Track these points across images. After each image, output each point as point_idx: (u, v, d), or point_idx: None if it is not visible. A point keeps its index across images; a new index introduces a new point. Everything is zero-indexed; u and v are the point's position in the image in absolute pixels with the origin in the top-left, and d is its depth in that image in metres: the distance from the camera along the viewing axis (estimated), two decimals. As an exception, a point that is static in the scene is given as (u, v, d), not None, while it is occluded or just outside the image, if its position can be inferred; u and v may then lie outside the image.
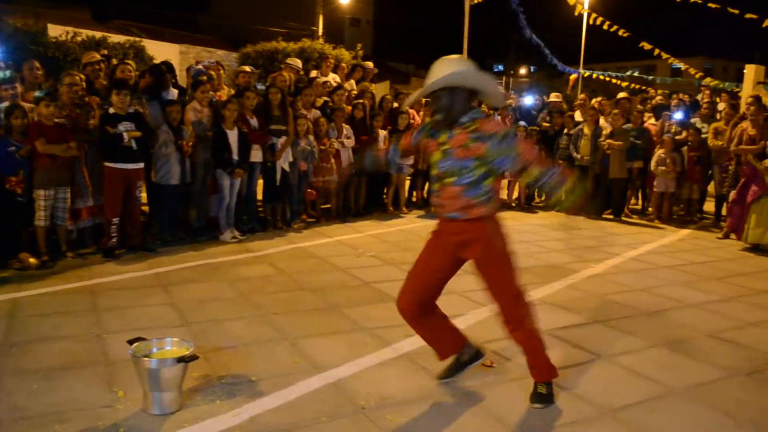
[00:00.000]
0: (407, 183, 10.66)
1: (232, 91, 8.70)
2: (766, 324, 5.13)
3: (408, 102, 5.08)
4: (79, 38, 13.22)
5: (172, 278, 5.82)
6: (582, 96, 12.48)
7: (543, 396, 3.52)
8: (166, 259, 6.50)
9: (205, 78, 8.13)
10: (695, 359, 4.28)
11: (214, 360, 3.94)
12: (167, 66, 8.07)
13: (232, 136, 7.33)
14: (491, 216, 3.51)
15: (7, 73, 6.55)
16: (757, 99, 9.51)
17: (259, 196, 8.44)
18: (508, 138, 3.26)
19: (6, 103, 6.21)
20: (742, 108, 10.30)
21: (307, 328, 4.57)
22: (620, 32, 16.83)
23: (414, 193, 10.91)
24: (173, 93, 7.73)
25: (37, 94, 6.31)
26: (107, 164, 6.42)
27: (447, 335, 3.74)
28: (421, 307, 3.62)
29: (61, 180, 6.18)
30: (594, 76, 27.68)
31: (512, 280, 3.56)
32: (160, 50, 15.62)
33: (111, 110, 6.43)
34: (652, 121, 10.88)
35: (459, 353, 3.75)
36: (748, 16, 14.39)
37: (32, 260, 5.96)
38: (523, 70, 54.60)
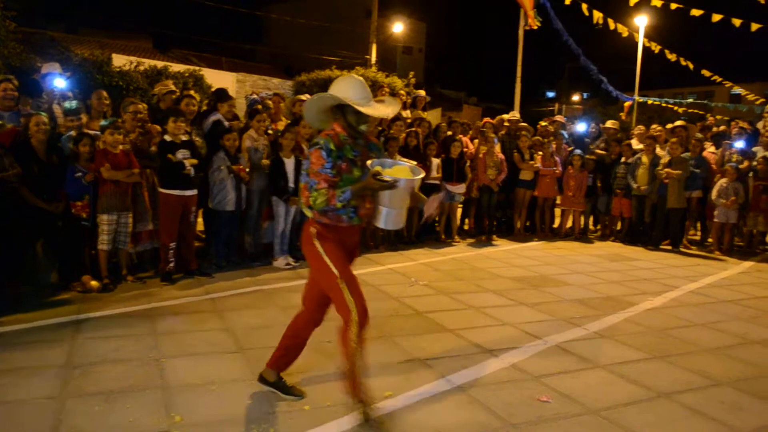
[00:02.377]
0: (459, 211, 10.63)
1: (288, 120, 8.86)
2: (838, 364, 4.89)
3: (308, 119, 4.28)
4: (141, 68, 13.72)
5: (227, 304, 5.91)
6: (640, 127, 12.26)
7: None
8: (222, 284, 6.61)
9: (260, 107, 8.32)
10: (763, 399, 4.11)
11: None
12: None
13: (289, 164, 7.45)
14: None
15: (74, 103, 6.82)
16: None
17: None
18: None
19: (72, 132, 6.46)
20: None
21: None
22: (680, 61, 16.52)
23: (466, 221, 10.86)
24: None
25: (102, 122, 6.54)
26: (163, 191, 6.58)
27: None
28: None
29: (124, 205, 6.37)
30: (649, 102, 27.22)
31: None
32: (218, 78, 16.09)
33: (167, 137, 6.62)
34: (712, 149, 10.61)
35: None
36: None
37: (94, 283, 6.14)
38: (575, 97, 54.08)
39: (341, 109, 3.57)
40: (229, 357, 4.51)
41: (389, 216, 3.57)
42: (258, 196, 7.51)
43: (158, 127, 7.00)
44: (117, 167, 6.23)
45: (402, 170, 3.56)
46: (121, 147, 6.36)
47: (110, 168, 6.18)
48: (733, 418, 3.80)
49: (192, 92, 7.75)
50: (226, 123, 7.59)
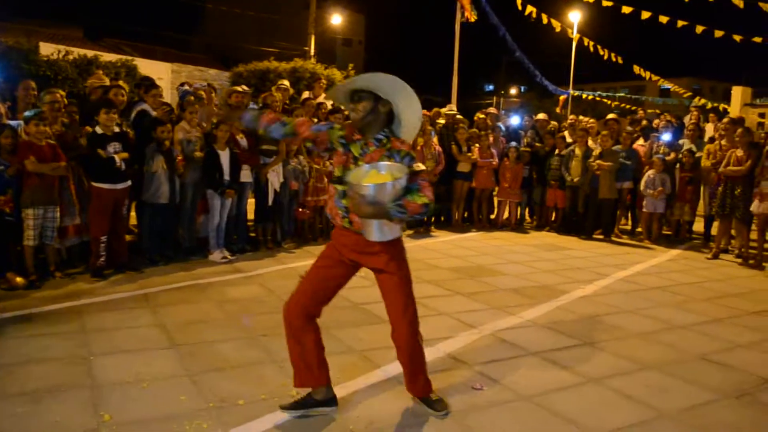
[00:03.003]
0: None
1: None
2: (756, 346, 5.13)
3: (331, 95, 4.24)
4: (71, 57, 13.23)
5: (161, 299, 5.78)
6: (572, 117, 12.57)
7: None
8: (155, 279, 6.46)
9: (192, 98, 8.15)
10: (686, 382, 4.27)
11: (202, 383, 3.90)
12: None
13: (224, 156, 7.33)
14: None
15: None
16: (740, 121, 9.65)
17: (250, 216, 8.43)
18: (407, 157, 3.33)
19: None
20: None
21: (297, 350, 4.52)
22: (611, 57, 17.00)
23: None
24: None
25: (26, 113, 6.29)
26: (95, 184, 6.38)
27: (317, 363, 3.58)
28: (308, 318, 3.61)
29: (50, 199, 6.13)
30: (584, 96, 27.95)
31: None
32: (151, 69, 15.64)
33: (98, 129, 6.41)
34: (641, 142, 10.96)
35: (315, 390, 3.57)
36: (735, 37, 14.59)
37: (19, 280, 5.91)
38: (513, 90, 55.02)
39: (389, 116, 3.44)
40: (161, 353, 4.41)
41: (369, 226, 3.26)
42: (192, 188, 7.36)
43: (89, 128, 6.74)
44: (42, 160, 5.99)
45: (375, 176, 3.20)
46: (45, 139, 6.12)
47: (35, 161, 5.94)
48: (658, 400, 3.93)
49: (121, 82, 7.53)
50: (153, 113, 7.40)
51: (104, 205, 6.39)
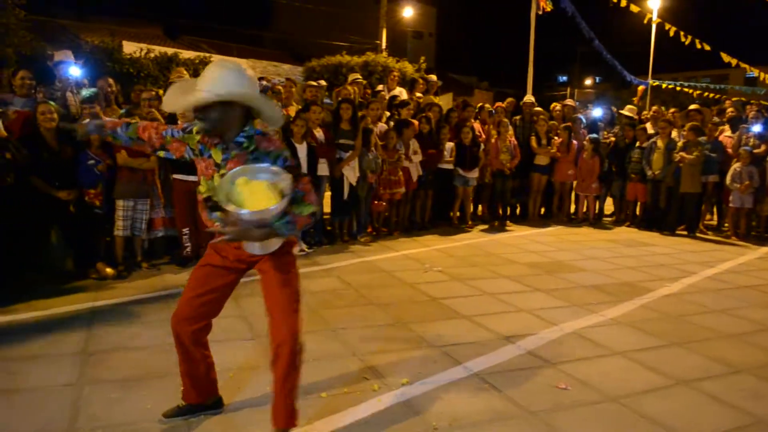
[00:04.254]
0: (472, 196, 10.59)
1: (299, 106, 8.83)
2: None
3: (175, 109, 3.75)
4: (152, 55, 13.70)
5: (242, 290, 5.82)
6: (655, 108, 12.11)
7: None
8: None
9: (271, 93, 8.28)
10: (783, 386, 4.06)
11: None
12: None
13: (301, 150, 7.42)
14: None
15: (90, 91, 6.82)
16: None
17: (327, 209, 8.52)
18: (280, 159, 2.88)
19: (87, 120, 6.44)
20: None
21: (376, 344, 4.54)
22: (696, 43, 16.29)
23: (480, 207, 10.81)
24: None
25: (121, 111, 6.54)
26: (175, 176, 6.61)
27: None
28: (197, 333, 3.31)
29: (141, 192, 6.37)
30: (663, 86, 26.95)
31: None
32: (228, 65, 15.99)
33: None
34: (728, 133, 10.46)
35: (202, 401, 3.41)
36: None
37: (109, 270, 6.15)
38: (588, 81, 53.61)
39: (247, 111, 2.98)
40: (244, 344, 4.52)
41: (248, 245, 2.95)
42: (271, 182, 7.47)
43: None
44: (132, 154, 6.21)
45: (255, 191, 2.68)
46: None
47: (126, 155, 6.17)
48: (753, 405, 3.75)
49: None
50: None
51: (183, 197, 6.59)
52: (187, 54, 15.55)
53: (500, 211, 10.40)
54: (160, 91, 7.12)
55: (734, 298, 6.21)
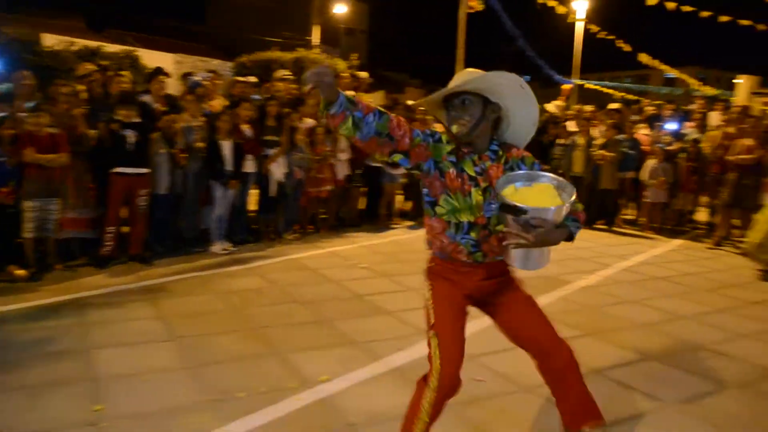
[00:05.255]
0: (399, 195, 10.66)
1: (227, 102, 8.69)
2: (758, 336, 5.11)
3: (422, 102, 3.01)
4: (74, 48, 13.20)
5: (161, 291, 5.77)
6: (575, 106, 12.48)
7: None
8: (156, 270, 6.46)
9: (201, 90, 8.13)
10: (688, 372, 4.26)
11: (202, 376, 3.90)
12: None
13: (226, 147, 7.31)
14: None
15: (5, 87, 6.53)
16: (747, 110, 9.60)
17: (253, 207, 8.43)
18: (536, 164, 2.73)
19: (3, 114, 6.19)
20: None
21: (298, 342, 4.53)
22: (618, 43, 16.88)
23: (407, 204, 10.87)
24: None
25: (28, 104, 6.27)
26: (114, 171, 6.46)
27: None
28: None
29: (51, 191, 6.11)
30: (586, 85, 27.74)
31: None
32: (155, 59, 15.57)
33: (117, 117, 6.48)
34: (646, 131, 10.88)
35: None
36: (741, 21, 14.48)
37: (20, 272, 5.91)
38: (517, 80, 54.62)
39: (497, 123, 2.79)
40: (161, 346, 4.41)
41: (530, 254, 2.57)
42: (194, 179, 7.33)
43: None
44: (42, 151, 5.97)
45: (542, 191, 2.51)
46: (49, 130, 6.10)
47: (34, 151, 5.92)
48: (660, 391, 3.92)
49: (123, 72, 7.51)
50: (156, 105, 7.36)
51: (117, 193, 6.44)
52: (112, 48, 15.03)
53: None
54: (80, 86, 6.87)
55: (646, 289, 6.48)
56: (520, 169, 2.67)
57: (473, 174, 2.67)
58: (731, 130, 9.14)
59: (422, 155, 2.64)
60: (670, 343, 4.85)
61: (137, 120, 6.61)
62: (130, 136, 6.46)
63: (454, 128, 2.65)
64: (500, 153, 2.72)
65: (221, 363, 4.11)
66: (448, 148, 2.69)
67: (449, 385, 2.71)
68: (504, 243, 2.53)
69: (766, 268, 7.24)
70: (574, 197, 2.45)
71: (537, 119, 2.83)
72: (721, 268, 7.69)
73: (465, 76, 2.66)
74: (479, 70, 2.67)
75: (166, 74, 7.83)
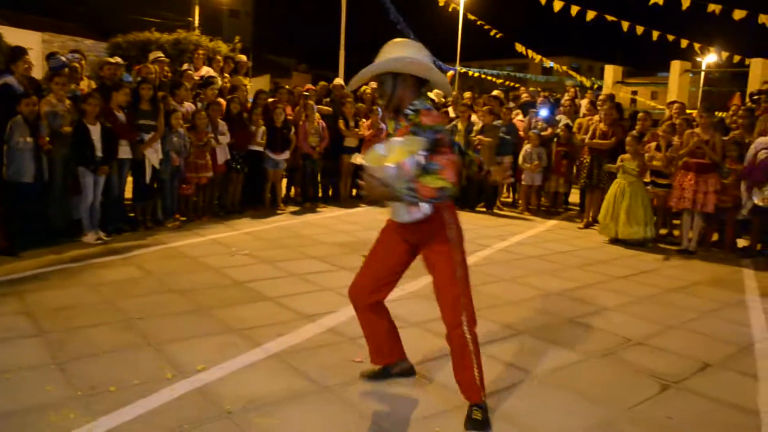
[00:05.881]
0: (284, 180, 10.57)
1: (94, 84, 8.25)
2: (621, 308, 5.50)
3: (352, 85, 3.44)
4: None
5: (28, 284, 5.43)
6: (454, 93, 12.81)
7: (478, 422, 3.20)
8: (22, 264, 6.06)
9: (67, 71, 7.66)
10: (556, 344, 4.51)
11: (71, 371, 3.71)
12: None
13: (95, 131, 6.94)
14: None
15: None
16: (610, 97, 10.23)
17: (130, 194, 8.09)
18: (430, 131, 2.99)
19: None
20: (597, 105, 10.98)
21: (174, 332, 4.40)
22: (493, 32, 17.48)
23: (292, 189, 10.82)
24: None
25: None
26: None
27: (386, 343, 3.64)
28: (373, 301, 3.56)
29: None
30: (470, 73, 28.59)
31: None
32: (20, 38, 14.51)
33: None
34: (520, 117, 11.35)
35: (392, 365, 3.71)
36: (607, 17, 15.37)
37: None
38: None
39: (418, 83, 3.17)
40: (27, 342, 4.16)
41: (395, 208, 3.17)
42: (62, 166, 6.92)
43: None
44: None
45: (378, 158, 2.94)
46: None
47: None
48: (531, 363, 4.14)
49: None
50: (18, 86, 6.88)
51: None
52: (-33, 24, 13.89)
53: (311, 193, 10.48)
54: None
55: (521, 268, 6.79)
56: (421, 134, 2.97)
57: (391, 131, 3.22)
58: (595, 118, 9.70)
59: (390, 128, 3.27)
60: (540, 318, 5.12)
61: None
62: None
63: (379, 101, 3.23)
64: (412, 116, 3.05)
65: (91, 357, 3.93)
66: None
67: (351, 297, 3.62)
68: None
69: (608, 238, 8.39)
70: (392, 163, 2.84)
71: (446, 82, 3.38)
72: (591, 246, 8.18)
73: (388, 53, 3.10)
74: (403, 41, 3.17)
75: (26, 52, 7.31)
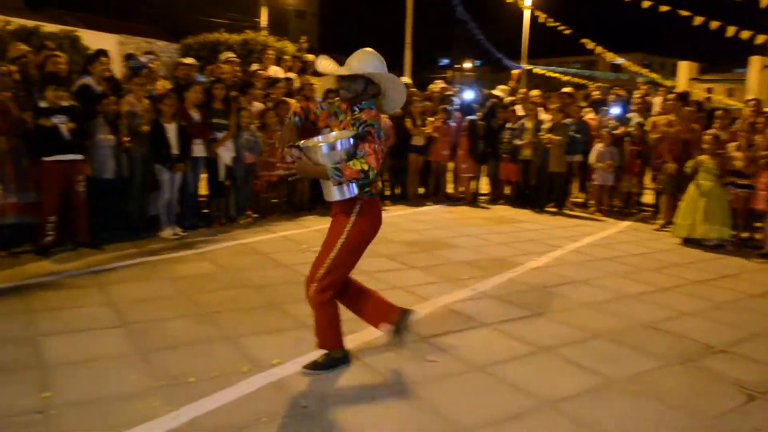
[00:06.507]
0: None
1: (169, 84, 8.49)
2: (700, 313, 5.29)
3: (342, 70, 3.74)
4: (10, 27, 12.69)
5: (110, 277, 5.65)
6: (523, 90, 12.63)
7: (317, 363, 3.78)
8: (104, 257, 6.31)
9: (146, 71, 7.93)
10: (633, 349, 4.38)
11: (153, 361, 3.84)
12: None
13: (171, 130, 7.15)
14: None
15: None
16: (682, 95, 9.87)
17: (204, 192, 8.30)
18: (362, 124, 3.50)
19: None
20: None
21: (249, 327, 4.49)
22: (560, 28, 17.14)
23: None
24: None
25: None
26: (44, 159, 6.19)
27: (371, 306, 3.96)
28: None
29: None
30: (537, 71, 28.13)
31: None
32: (97, 40, 15.08)
33: (43, 104, 6.20)
34: (591, 115, 11.09)
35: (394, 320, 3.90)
36: (680, 12, 14.84)
37: (-41, 260, 5.70)
38: (468, 65, 55.05)
39: (376, 94, 3.72)
40: (111, 332, 4.32)
41: (326, 186, 3.62)
42: (141, 163, 7.17)
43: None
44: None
45: (316, 142, 3.53)
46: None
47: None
48: (607, 368, 4.03)
49: (58, 52, 7.23)
50: (100, 88, 7.14)
51: (53, 181, 6.22)
52: (50, 27, 14.49)
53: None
54: (12, 67, 6.59)
55: (594, 270, 6.63)
56: (356, 127, 3.51)
57: (339, 120, 3.69)
58: (671, 117, 9.37)
59: (324, 118, 3.82)
60: (616, 322, 4.98)
61: (68, 103, 6.38)
62: (62, 122, 6.21)
63: (342, 93, 3.64)
64: (356, 112, 3.58)
65: (171, 348, 4.05)
66: (338, 104, 3.75)
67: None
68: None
69: (682, 238, 8.21)
70: (325, 143, 3.42)
71: (404, 94, 3.83)
72: (666, 248, 7.92)
73: (362, 60, 3.60)
74: (371, 52, 3.65)
75: (106, 54, 7.60)
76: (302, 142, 3.52)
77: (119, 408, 3.25)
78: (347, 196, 3.56)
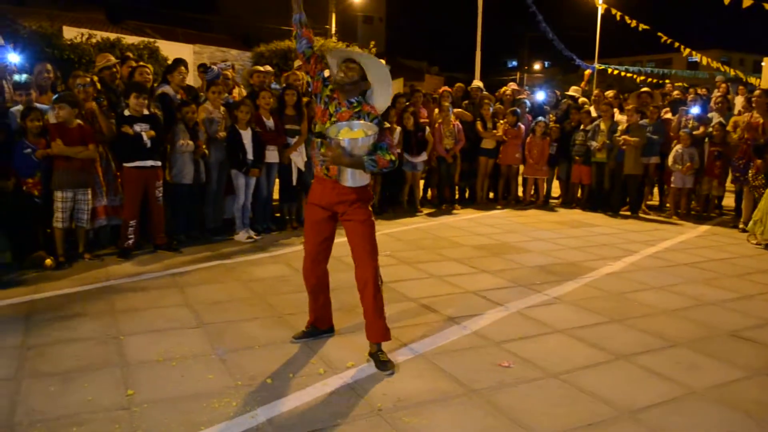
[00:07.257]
0: (422, 181, 10.66)
1: (244, 92, 8.69)
2: (788, 322, 5.04)
3: (330, 53, 4.11)
4: (93, 40, 13.31)
5: (188, 279, 5.83)
6: (596, 91, 12.35)
7: (386, 363, 3.89)
8: (181, 259, 6.52)
9: (222, 80, 8.16)
10: (715, 359, 4.21)
11: (230, 362, 3.94)
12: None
13: (246, 136, 7.33)
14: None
15: (23, 77, 6.60)
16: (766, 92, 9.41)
17: (277, 196, 8.47)
18: (376, 119, 3.87)
19: (20, 107, 6.25)
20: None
21: (323, 329, 4.55)
22: (638, 26, 16.66)
23: (429, 191, 10.89)
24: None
25: (55, 96, 6.33)
26: (125, 165, 6.48)
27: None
28: (321, 275, 4.33)
29: (81, 181, 6.18)
30: (609, 70, 27.46)
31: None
32: (174, 50, 15.68)
33: (126, 112, 6.47)
34: (669, 115, 10.74)
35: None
36: (765, 5, 14.19)
37: (48, 261, 5.99)
38: (537, 66, 54.25)
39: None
40: (189, 332, 4.46)
41: (344, 173, 3.82)
42: (217, 168, 7.39)
43: (103, 103, 6.76)
44: (71, 143, 6.03)
45: (350, 133, 3.77)
46: (77, 122, 6.17)
47: (61, 143, 5.99)
48: (688, 377, 3.89)
49: (143, 63, 7.54)
50: (178, 96, 7.39)
51: (135, 187, 6.47)
52: (130, 39, 15.15)
53: (448, 195, 10.47)
54: (95, 78, 6.91)
55: (672, 275, 6.41)
56: (363, 119, 3.84)
57: (332, 112, 3.90)
58: (755, 114, 8.97)
59: (317, 89, 3.96)
60: (697, 330, 4.80)
61: (149, 112, 6.64)
62: (144, 129, 6.46)
63: (339, 76, 3.80)
64: (355, 105, 3.88)
65: (249, 349, 4.15)
66: (327, 92, 3.92)
67: (304, 272, 4.32)
68: (321, 158, 3.89)
69: (760, 242, 8.00)
70: (365, 135, 3.69)
71: (389, 101, 4.19)
72: (749, 254, 7.59)
73: (364, 54, 3.95)
74: (375, 59, 3.90)
75: (185, 63, 7.85)
76: (338, 134, 3.75)
77: (199, 406, 3.34)
78: (366, 182, 3.94)
